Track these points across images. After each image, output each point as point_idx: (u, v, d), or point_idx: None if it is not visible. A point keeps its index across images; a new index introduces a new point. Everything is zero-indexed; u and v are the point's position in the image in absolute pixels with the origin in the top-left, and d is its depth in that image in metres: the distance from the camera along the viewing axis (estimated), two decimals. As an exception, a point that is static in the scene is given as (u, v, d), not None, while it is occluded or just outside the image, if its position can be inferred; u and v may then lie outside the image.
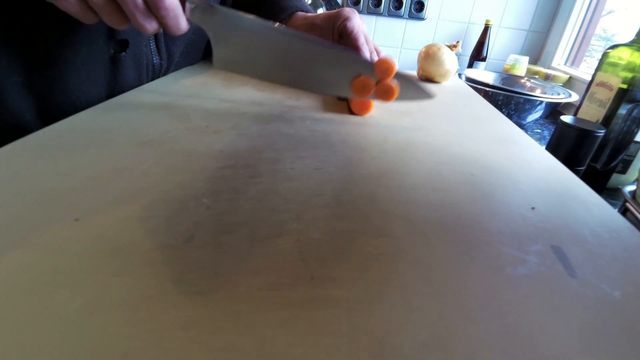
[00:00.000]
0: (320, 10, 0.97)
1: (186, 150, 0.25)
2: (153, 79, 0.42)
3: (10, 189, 0.19)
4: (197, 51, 0.51)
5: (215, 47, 0.32)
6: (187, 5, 0.28)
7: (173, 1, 0.27)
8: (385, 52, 0.44)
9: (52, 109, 0.31)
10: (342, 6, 1.21)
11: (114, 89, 0.36)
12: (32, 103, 0.31)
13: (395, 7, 1.20)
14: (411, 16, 1.22)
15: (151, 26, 0.27)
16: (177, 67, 0.47)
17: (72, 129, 0.27)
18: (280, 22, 0.45)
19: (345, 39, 0.41)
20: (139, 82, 0.39)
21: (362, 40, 0.40)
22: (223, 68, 0.32)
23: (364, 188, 0.22)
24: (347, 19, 0.41)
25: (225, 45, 0.31)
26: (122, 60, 0.36)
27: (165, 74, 0.44)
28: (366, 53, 0.40)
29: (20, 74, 0.31)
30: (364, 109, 0.36)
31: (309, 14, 0.46)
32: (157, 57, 0.41)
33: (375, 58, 0.42)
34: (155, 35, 0.40)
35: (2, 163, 0.21)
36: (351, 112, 0.37)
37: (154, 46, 0.40)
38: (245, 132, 0.29)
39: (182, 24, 0.28)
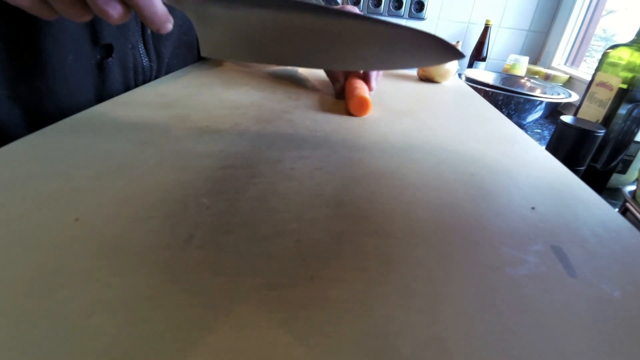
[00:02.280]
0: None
1: (186, 150, 0.25)
2: (144, 81, 0.41)
3: (10, 189, 0.19)
4: (190, 51, 0.51)
5: (199, 31, 0.27)
6: None
7: None
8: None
9: (42, 120, 0.30)
10: (343, 6, 1.21)
11: (102, 95, 0.35)
12: (21, 115, 0.30)
13: (395, 7, 1.20)
14: (411, 16, 1.22)
15: (115, 11, 0.22)
16: (170, 69, 0.46)
17: (72, 129, 0.27)
18: None
19: None
20: (128, 87, 0.38)
21: None
22: (212, 55, 0.28)
23: (364, 188, 0.22)
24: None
25: (212, 27, 0.26)
26: (109, 66, 0.35)
27: (157, 76, 0.43)
28: None
29: (7, 87, 0.30)
30: (361, 110, 0.36)
31: None
32: (146, 59, 0.40)
33: None
34: (144, 37, 0.39)
35: (1, 163, 0.21)
36: (349, 114, 0.36)
37: (143, 48, 0.39)
38: (245, 132, 0.29)
39: (157, 5, 0.23)
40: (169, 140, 0.26)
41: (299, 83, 0.47)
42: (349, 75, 0.42)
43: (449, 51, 0.26)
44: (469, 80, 0.76)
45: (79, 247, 0.15)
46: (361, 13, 0.29)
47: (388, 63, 0.28)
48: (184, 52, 0.49)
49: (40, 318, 0.12)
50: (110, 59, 0.35)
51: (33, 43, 0.30)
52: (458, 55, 0.26)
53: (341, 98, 0.42)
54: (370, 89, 0.40)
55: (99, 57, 0.34)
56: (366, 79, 0.41)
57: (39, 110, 0.31)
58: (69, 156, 0.23)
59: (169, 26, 0.25)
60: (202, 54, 0.28)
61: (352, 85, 0.39)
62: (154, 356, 0.11)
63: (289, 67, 0.55)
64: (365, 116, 0.36)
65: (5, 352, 0.11)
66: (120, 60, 0.37)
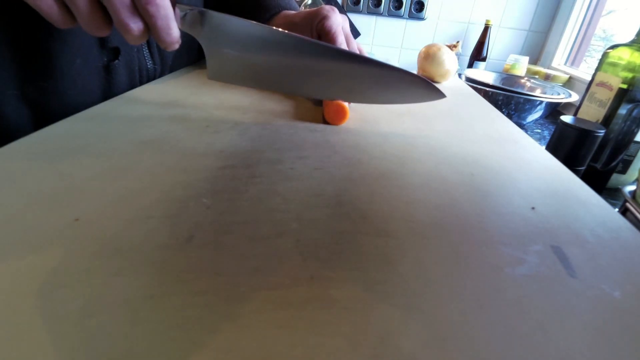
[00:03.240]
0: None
1: (186, 150, 0.25)
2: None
3: (10, 189, 0.19)
4: (192, 52, 0.51)
5: (208, 56, 0.29)
6: (177, 11, 0.26)
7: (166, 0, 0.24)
8: (366, 50, 0.43)
9: (50, 120, 0.31)
10: (342, 6, 1.21)
11: (108, 97, 0.36)
12: (29, 115, 0.31)
13: (395, 7, 1.20)
14: (411, 16, 1.22)
15: (136, 26, 0.24)
16: (172, 70, 0.47)
17: (72, 129, 0.27)
18: (263, 21, 0.44)
19: (323, 38, 0.39)
20: (133, 88, 0.39)
21: (340, 40, 0.38)
22: (217, 79, 0.30)
23: (364, 188, 0.22)
24: (325, 17, 0.38)
25: (220, 54, 0.29)
26: (115, 68, 0.36)
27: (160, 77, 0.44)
28: None
29: (16, 87, 0.30)
30: (338, 119, 0.33)
31: (291, 13, 0.44)
32: (150, 61, 0.41)
33: None
34: (148, 41, 0.39)
35: (1, 163, 0.21)
36: (325, 122, 0.34)
37: (147, 51, 0.40)
38: (245, 132, 0.29)
39: (172, 27, 0.25)
40: (169, 140, 0.26)
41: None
42: None
43: (432, 91, 0.31)
44: (469, 80, 0.76)
45: (79, 247, 0.15)
46: (358, 53, 0.31)
47: (378, 98, 0.32)
48: (185, 54, 0.49)
49: (40, 318, 0.12)
50: (116, 61, 0.36)
51: (43, 45, 0.30)
52: (441, 95, 0.32)
53: (318, 104, 0.39)
54: None
55: (105, 59, 0.35)
56: None
57: (46, 110, 0.31)
58: (69, 156, 0.23)
59: (176, 47, 0.26)
60: (209, 78, 0.30)
61: None
62: (154, 356, 0.11)
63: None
64: (365, 116, 0.36)
65: (5, 352, 0.11)
66: (126, 63, 0.37)
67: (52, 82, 0.31)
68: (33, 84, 0.31)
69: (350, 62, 0.30)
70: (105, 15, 0.23)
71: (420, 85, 0.31)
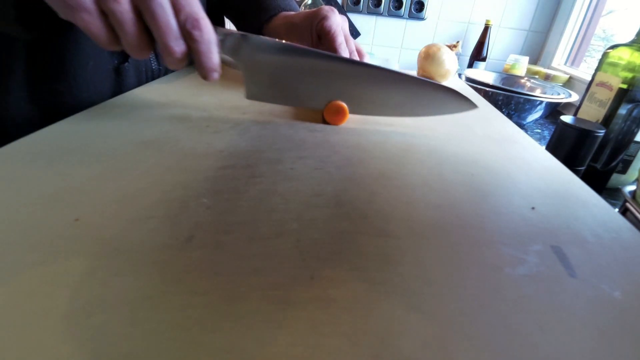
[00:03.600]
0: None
1: (186, 150, 0.25)
2: None
3: (11, 189, 0.19)
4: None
5: (247, 78, 0.30)
6: (217, 36, 0.26)
7: (209, 26, 0.25)
8: (365, 51, 0.43)
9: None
10: (342, 6, 1.21)
11: None
12: (39, 117, 0.31)
13: (395, 7, 1.20)
14: (411, 16, 1.22)
15: (180, 49, 0.24)
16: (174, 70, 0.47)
17: (72, 129, 0.27)
18: (263, 22, 0.44)
19: (323, 39, 0.39)
20: None
21: (339, 40, 0.38)
22: (255, 99, 0.32)
23: (364, 188, 0.22)
24: (324, 17, 0.39)
25: (258, 75, 0.30)
26: (125, 70, 0.37)
27: None
28: (344, 54, 0.39)
29: (28, 89, 0.31)
30: (338, 119, 0.33)
31: (290, 13, 0.44)
32: (155, 63, 0.42)
33: (356, 59, 0.40)
34: None
35: (2, 163, 0.21)
36: (324, 122, 0.34)
37: (152, 53, 0.40)
38: (245, 132, 0.29)
39: (214, 52, 0.26)
40: (169, 140, 0.26)
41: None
42: None
43: (464, 103, 0.32)
44: (469, 80, 0.76)
45: (79, 247, 0.15)
46: (391, 68, 0.32)
47: (412, 111, 0.32)
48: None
49: (40, 318, 0.12)
50: (126, 63, 0.37)
51: (58, 49, 0.31)
52: (472, 106, 0.32)
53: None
54: None
55: (116, 62, 0.36)
56: None
57: (58, 111, 0.31)
58: (69, 156, 0.23)
59: (216, 76, 0.27)
60: (247, 98, 0.31)
61: None
62: (154, 356, 0.11)
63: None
64: (365, 116, 0.36)
65: (5, 352, 0.11)
66: (135, 65, 0.38)
67: (66, 84, 0.32)
68: (47, 86, 0.32)
69: (384, 78, 0.31)
70: (149, 37, 0.24)
71: (452, 97, 0.32)
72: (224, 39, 0.27)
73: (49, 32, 0.30)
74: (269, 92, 0.31)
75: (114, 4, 0.21)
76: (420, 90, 0.31)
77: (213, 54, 0.26)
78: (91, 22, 0.22)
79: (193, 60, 0.26)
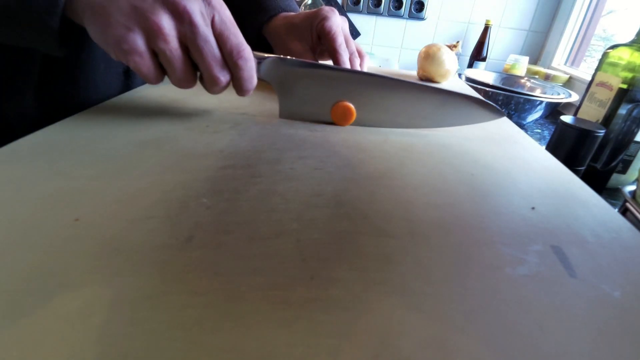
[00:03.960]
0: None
1: (186, 150, 0.25)
2: None
3: (11, 189, 0.19)
4: None
5: (281, 98, 0.32)
6: (254, 59, 0.28)
7: (250, 52, 0.26)
8: (365, 52, 0.43)
9: None
10: (342, 6, 1.21)
11: None
12: (48, 119, 0.31)
13: (395, 7, 1.20)
14: (411, 16, 1.22)
15: (225, 78, 0.26)
16: None
17: (72, 129, 0.27)
18: (262, 23, 0.44)
19: (323, 40, 0.39)
20: None
21: (339, 41, 0.38)
22: (288, 117, 0.33)
23: (364, 188, 0.22)
24: (324, 18, 0.39)
25: (292, 95, 0.32)
26: (133, 73, 0.38)
27: None
28: (344, 55, 0.39)
29: (41, 91, 0.32)
30: (345, 119, 0.33)
31: (290, 14, 0.44)
32: None
33: (357, 60, 0.40)
34: None
35: (2, 163, 0.21)
36: (331, 122, 0.34)
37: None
38: (245, 132, 0.29)
39: (254, 77, 0.27)
40: (169, 140, 0.26)
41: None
42: None
43: (492, 112, 0.32)
44: (469, 80, 0.76)
45: (79, 247, 0.15)
46: (416, 82, 0.33)
47: (441, 122, 0.33)
48: None
49: (40, 318, 0.12)
50: None
51: (71, 53, 0.31)
52: (500, 114, 0.32)
53: None
54: None
55: (125, 65, 0.36)
56: None
57: (66, 112, 0.32)
58: (69, 156, 0.23)
59: (251, 93, 0.29)
60: (281, 117, 0.33)
61: None
62: (154, 356, 0.11)
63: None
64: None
65: (5, 352, 0.11)
66: None
67: (77, 87, 0.33)
68: (59, 88, 0.32)
69: (412, 91, 0.31)
70: (195, 69, 0.26)
71: (481, 106, 0.32)
72: (260, 62, 0.29)
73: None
74: (303, 111, 0.33)
75: (163, 44, 0.23)
76: (449, 100, 0.32)
77: (254, 79, 0.28)
78: (143, 64, 0.23)
79: (232, 84, 0.28)
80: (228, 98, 0.37)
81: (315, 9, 0.40)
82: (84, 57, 0.32)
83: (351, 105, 0.33)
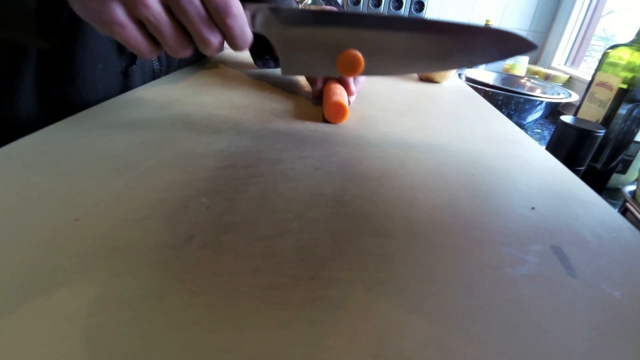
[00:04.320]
0: (320, 10, 0.97)
1: (186, 150, 0.25)
2: None
3: (11, 188, 0.19)
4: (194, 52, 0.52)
5: (282, 54, 0.29)
6: (247, 13, 0.26)
7: (240, 8, 0.24)
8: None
9: None
10: (342, 6, 1.21)
11: None
12: (48, 118, 0.31)
13: (396, 7, 1.20)
14: (411, 16, 1.22)
15: (216, 39, 0.24)
16: (175, 69, 0.48)
17: (72, 130, 0.27)
18: None
19: None
20: None
21: None
22: (292, 73, 0.31)
23: (364, 188, 0.22)
24: None
25: (293, 48, 0.29)
26: (132, 72, 0.37)
27: None
28: None
29: (38, 92, 0.31)
30: (338, 117, 0.33)
31: None
32: (157, 62, 0.42)
33: None
34: None
35: (2, 162, 0.21)
36: (325, 121, 0.34)
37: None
38: (245, 132, 0.29)
39: (247, 33, 0.26)
40: (169, 140, 0.26)
41: (297, 83, 0.47)
42: (327, 78, 0.39)
43: (520, 44, 0.27)
44: (469, 80, 0.76)
45: (78, 247, 0.15)
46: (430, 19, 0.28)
47: (460, 62, 0.28)
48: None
49: (40, 318, 0.12)
50: (134, 66, 0.37)
51: (68, 53, 0.31)
52: (532, 46, 0.26)
53: (318, 103, 0.39)
54: (349, 93, 0.37)
55: (124, 65, 0.37)
56: (344, 83, 0.38)
57: (65, 113, 0.32)
58: (69, 156, 0.23)
59: (247, 47, 0.27)
60: (283, 74, 0.30)
61: (330, 90, 0.35)
62: (154, 356, 0.11)
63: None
64: (365, 116, 0.36)
65: (5, 351, 0.11)
66: (141, 67, 0.39)
67: (75, 87, 0.33)
68: (57, 88, 0.32)
69: (422, 29, 0.27)
70: (188, 35, 0.24)
71: (508, 39, 0.27)
72: (254, 15, 0.27)
73: (65, 39, 0.30)
74: (306, 64, 0.30)
75: (145, 10, 0.22)
76: (466, 38, 0.27)
77: (247, 35, 0.26)
78: (128, 35, 0.22)
79: (226, 41, 0.26)
80: (228, 98, 0.37)
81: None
82: (81, 57, 0.32)
83: (358, 53, 0.29)
